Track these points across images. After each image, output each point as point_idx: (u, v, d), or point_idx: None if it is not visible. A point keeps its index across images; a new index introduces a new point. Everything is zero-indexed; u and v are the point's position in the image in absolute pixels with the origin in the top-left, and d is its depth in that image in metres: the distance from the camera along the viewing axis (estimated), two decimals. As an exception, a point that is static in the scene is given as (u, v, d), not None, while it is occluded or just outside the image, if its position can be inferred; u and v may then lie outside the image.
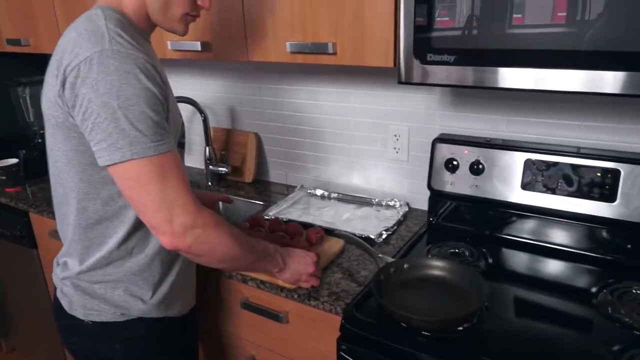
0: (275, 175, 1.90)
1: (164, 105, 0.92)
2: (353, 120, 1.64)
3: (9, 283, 2.16)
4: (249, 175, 1.89)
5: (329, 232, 1.39)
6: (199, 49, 1.42)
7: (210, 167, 1.90)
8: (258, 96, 1.83)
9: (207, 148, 1.89)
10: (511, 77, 1.02)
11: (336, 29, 1.20)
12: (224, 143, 1.94)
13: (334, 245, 1.34)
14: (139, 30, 0.99)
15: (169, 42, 1.48)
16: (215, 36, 1.41)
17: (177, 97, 1.74)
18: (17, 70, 2.20)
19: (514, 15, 0.97)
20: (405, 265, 1.18)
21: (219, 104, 1.95)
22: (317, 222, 1.50)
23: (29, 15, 1.86)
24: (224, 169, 1.87)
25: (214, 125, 1.98)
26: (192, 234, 0.91)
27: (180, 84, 2.01)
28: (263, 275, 1.22)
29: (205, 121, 1.85)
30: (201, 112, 1.84)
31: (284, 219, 1.52)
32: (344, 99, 1.64)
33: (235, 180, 1.93)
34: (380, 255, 1.23)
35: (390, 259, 1.22)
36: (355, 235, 1.38)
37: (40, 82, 0.99)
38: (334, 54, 1.21)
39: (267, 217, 1.55)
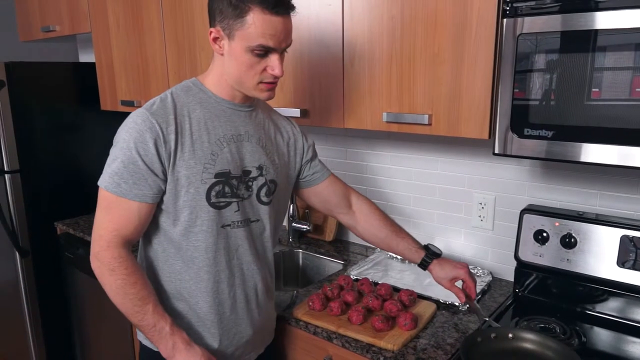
0: (354, 235, 1.94)
1: (147, 167, 1.05)
2: (438, 186, 1.68)
3: (96, 318, 2.29)
4: (329, 234, 1.95)
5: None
6: (299, 115, 1.54)
7: (293, 224, 1.98)
8: (342, 159, 1.93)
9: (291, 205, 1.98)
10: (609, 154, 1.03)
11: (432, 101, 1.27)
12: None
13: (427, 309, 1.35)
14: (217, 98, 1.15)
15: (270, 108, 1.62)
16: (314, 104, 1.53)
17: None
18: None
19: (593, 89, 1.01)
20: (510, 335, 1.16)
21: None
22: (399, 285, 1.51)
23: (144, 80, 2.09)
24: (306, 227, 1.95)
25: (299, 184, 2.08)
26: (94, 263, 1.08)
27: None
28: (349, 332, 1.25)
29: (291, 180, 1.96)
30: (289, 171, 1.96)
31: (374, 281, 1.54)
32: (429, 166, 1.69)
33: (316, 238, 1.99)
34: (487, 318, 1.25)
35: (496, 324, 1.23)
36: (440, 301, 1.39)
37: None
38: (429, 124, 1.28)
39: (355, 277, 1.58)
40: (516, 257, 1.45)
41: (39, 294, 2.45)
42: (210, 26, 1.09)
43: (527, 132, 1.12)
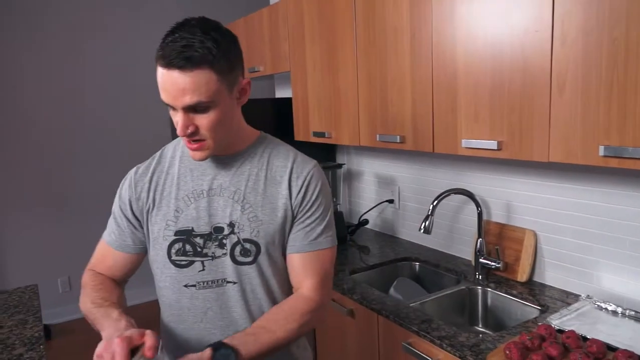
0: (552, 278, 1.76)
1: (125, 212, 1.15)
2: (664, 230, 1.43)
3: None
4: (522, 275, 1.80)
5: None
6: (495, 147, 1.47)
7: (480, 260, 1.88)
8: (537, 193, 1.77)
9: (479, 240, 1.88)
10: None
11: (665, 133, 1.10)
12: (496, 237, 1.91)
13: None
14: None
15: (462, 141, 1.57)
16: (512, 136, 1.44)
17: (454, 189, 1.82)
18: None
19: None
20: None
21: (493, 197, 1.95)
22: (612, 342, 1.31)
23: (335, 113, 2.22)
24: (496, 264, 1.83)
25: (486, 218, 1.97)
26: None
27: (460, 177, 2.10)
28: None
29: (480, 214, 1.87)
30: (477, 204, 1.87)
31: (582, 335, 1.36)
32: (652, 205, 1.45)
33: (507, 277, 1.85)
34: None
35: None
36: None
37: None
38: (662, 159, 1.10)
39: (558, 328, 1.42)
40: None
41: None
42: None
43: None
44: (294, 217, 1.11)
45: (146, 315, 3.62)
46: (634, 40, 1.13)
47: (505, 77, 1.43)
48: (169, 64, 0.93)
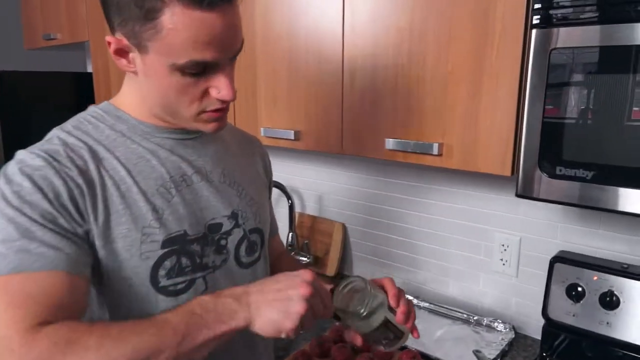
0: (359, 271, 1.74)
1: (65, 215, 0.66)
2: (454, 222, 1.45)
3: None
4: (331, 269, 1.74)
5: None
6: (292, 137, 1.35)
7: (292, 254, 1.79)
8: (349, 185, 1.72)
9: (290, 234, 1.79)
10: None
11: (444, 128, 1.06)
12: (308, 230, 1.83)
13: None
14: (148, 126, 0.77)
15: (261, 129, 1.43)
16: (309, 125, 1.33)
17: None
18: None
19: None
20: None
21: (307, 190, 1.86)
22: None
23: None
24: (305, 259, 1.75)
25: (300, 210, 1.88)
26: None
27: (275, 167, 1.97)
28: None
29: (291, 206, 1.77)
30: (288, 196, 1.76)
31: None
32: (446, 198, 1.46)
33: (316, 272, 1.78)
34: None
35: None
36: (450, 365, 1.17)
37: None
38: (439, 155, 1.07)
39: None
40: (544, 314, 1.21)
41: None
42: (111, 33, 0.71)
43: (560, 171, 0.90)
44: (269, 194, 1.00)
45: None
46: (417, 32, 1.07)
47: (301, 61, 1.30)
48: (215, 1, 0.64)
